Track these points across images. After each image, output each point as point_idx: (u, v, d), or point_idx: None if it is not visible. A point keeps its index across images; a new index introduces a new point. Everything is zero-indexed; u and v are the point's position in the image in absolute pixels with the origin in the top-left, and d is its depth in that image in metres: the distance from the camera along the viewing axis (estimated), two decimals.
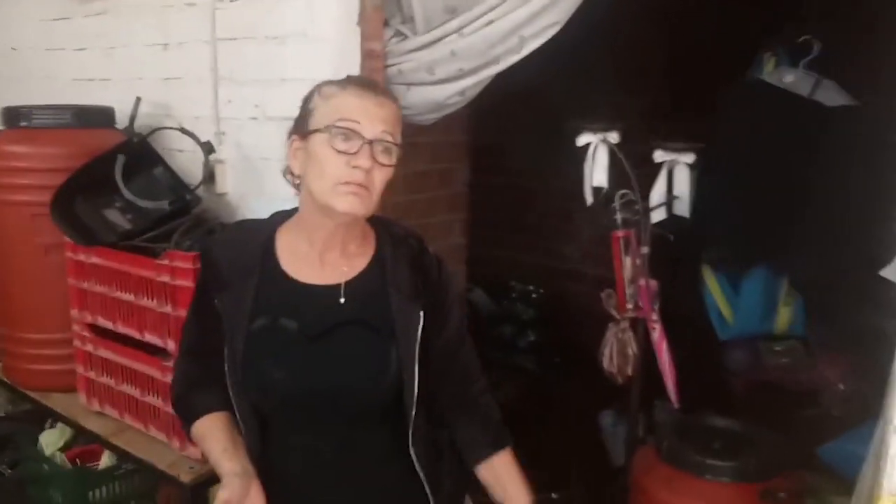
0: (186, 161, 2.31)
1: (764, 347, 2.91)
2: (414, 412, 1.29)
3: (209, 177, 2.21)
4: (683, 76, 2.94)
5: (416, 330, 1.29)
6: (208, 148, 2.15)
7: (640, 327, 2.40)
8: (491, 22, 1.87)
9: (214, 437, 1.30)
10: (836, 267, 2.58)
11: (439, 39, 1.97)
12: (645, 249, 2.30)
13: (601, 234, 2.88)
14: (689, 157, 2.26)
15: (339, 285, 1.30)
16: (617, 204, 2.29)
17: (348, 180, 1.21)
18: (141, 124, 2.31)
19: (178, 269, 1.76)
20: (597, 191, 2.30)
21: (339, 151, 1.21)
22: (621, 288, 2.35)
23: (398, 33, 2.09)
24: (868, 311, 2.69)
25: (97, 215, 1.99)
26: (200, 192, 2.18)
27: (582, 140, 2.28)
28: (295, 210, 1.38)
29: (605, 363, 2.40)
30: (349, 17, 1.99)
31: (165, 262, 1.78)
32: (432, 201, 2.75)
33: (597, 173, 2.28)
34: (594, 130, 2.26)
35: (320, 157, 1.22)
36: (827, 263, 2.59)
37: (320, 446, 1.31)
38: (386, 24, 2.08)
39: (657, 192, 2.30)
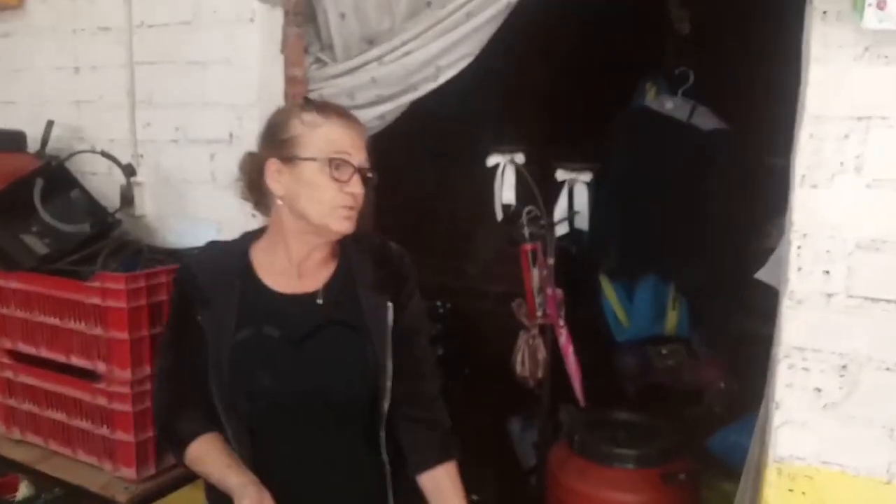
0: (100, 184, 2.30)
1: (652, 352, 3.17)
2: (387, 405, 1.37)
3: (129, 199, 2.22)
4: (577, 104, 3.20)
5: (386, 321, 1.38)
6: (129, 170, 2.17)
7: (548, 333, 2.58)
8: (409, 52, 2.00)
9: (212, 456, 1.34)
10: (715, 274, 2.89)
11: (360, 67, 2.08)
12: (551, 261, 2.49)
13: (500, 254, 3.04)
14: (587, 176, 2.47)
15: (316, 291, 1.38)
16: (524, 219, 2.47)
17: (344, 205, 1.32)
18: (52, 148, 2.29)
19: (109, 290, 1.77)
20: (506, 207, 2.47)
21: (335, 179, 1.31)
22: (531, 297, 2.53)
23: (318, 60, 2.18)
24: (743, 316, 3.01)
25: (15, 240, 1.96)
26: (119, 214, 2.18)
27: (491, 161, 2.45)
28: (261, 230, 1.45)
29: (518, 368, 2.57)
30: (273, 45, 2.08)
31: (96, 284, 1.79)
32: None
33: (506, 191, 2.46)
34: (502, 152, 2.44)
35: (317, 184, 1.31)
36: (707, 271, 2.89)
37: (304, 450, 1.37)
38: (306, 51, 2.18)
39: (560, 208, 2.50)
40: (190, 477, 1.94)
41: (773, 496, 1.52)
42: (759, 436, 1.72)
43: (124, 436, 1.81)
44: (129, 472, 1.82)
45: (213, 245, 1.52)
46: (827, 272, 1.42)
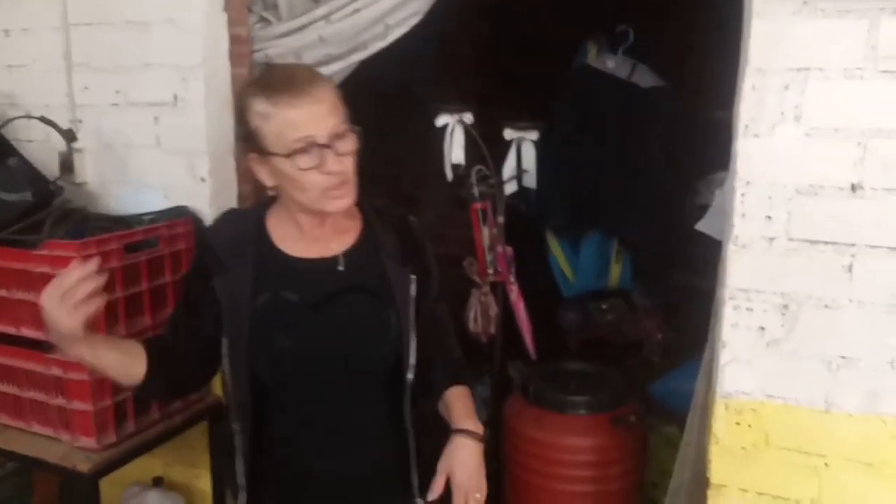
0: (36, 151, 2.21)
1: (592, 307, 3.28)
2: (411, 376, 1.37)
3: (69, 166, 2.15)
4: (522, 63, 3.23)
5: (409, 293, 1.38)
6: (70, 136, 2.10)
7: (499, 290, 2.64)
8: (358, 10, 1.99)
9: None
10: (655, 228, 2.99)
11: (307, 25, 2.05)
12: (501, 219, 2.54)
13: (446, 216, 3.07)
14: (534, 135, 2.52)
15: (336, 257, 1.37)
16: (473, 178, 2.51)
17: (328, 187, 1.27)
18: None
19: (59, 258, 1.72)
20: (455, 167, 2.50)
21: (305, 169, 1.25)
22: (481, 255, 2.58)
23: (262, 19, 2.15)
24: (680, 270, 3.14)
25: None
26: (59, 182, 2.11)
27: (440, 121, 2.47)
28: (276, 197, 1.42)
29: (471, 325, 2.63)
30: (215, 4, 2.03)
31: (45, 252, 1.74)
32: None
33: (455, 151, 2.48)
34: (451, 112, 2.46)
35: (293, 176, 1.27)
36: (647, 226, 2.99)
37: (323, 415, 1.37)
38: (249, 10, 2.13)
39: (508, 167, 2.55)
40: (151, 443, 1.94)
41: (721, 430, 1.61)
42: (705, 376, 1.82)
43: (82, 405, 1.78)
44: (89, 442, 1.79)
45: (229, 213, 1.51)
46: (769, 217, 1.51)
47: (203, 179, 2.07)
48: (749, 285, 1.55)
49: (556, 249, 3.03)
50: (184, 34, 2.01)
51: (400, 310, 1.38)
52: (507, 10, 3.35)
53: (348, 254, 1.39)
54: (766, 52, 1.44)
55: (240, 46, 2.10)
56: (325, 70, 2.11)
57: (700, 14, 2.83)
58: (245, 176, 2.17)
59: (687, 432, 1.93)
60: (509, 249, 2.59)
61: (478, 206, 2.53)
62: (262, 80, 1.35)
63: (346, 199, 1.31)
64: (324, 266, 1.38)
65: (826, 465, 1.53)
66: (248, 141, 1.31)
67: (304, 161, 1.24)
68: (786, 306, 1.53)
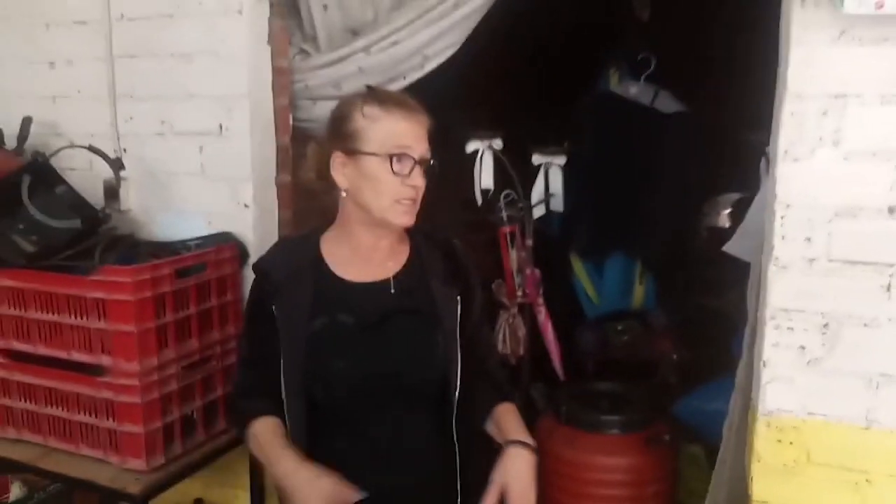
0: (81, 180, 2.26)
1: (609, 328, 3.32)
2: (457, 394, 1.41)
3: (114, 194, 2.21)
4: (548, 88, 3.30)
5: (456, 314, 1.43)
6: (118, 164, 2.16)
7: (526, 312, 2.68)
8: (397, 42, 2.06)
9: (269, 436, 1.39)
10: (676, 250, 3.04)
11: (346, 57, 2.12)
12: (529, 242, 2.59)
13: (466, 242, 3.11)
14: (562, 160, 2.58)
15: (387, 280, 1.43)
16: (502, 203, 2.57)
17: (404, 198, 1.35)
18: (28, 143, 2.25)
19: (114, 283, 1.77)
20: (485, 192, 2.56)
21: (395, 173, 1.34)
22: (510, 278, 2.62)
23: (302, 51, 2.22)
24: (698, 291, 3.18)
25: (3, 238, 1.94)
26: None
27: (471, 147, 2.53)
28: (329, 222, 1.48)
29: (500, 346, 2.67)
30: (259, 37, 2.10)
31: (99, 277, 1.79)
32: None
33: (484, 176, 2.54)
34: (481, 138, 2.52)
35: (378, 178, 1.34)
36: (669, 247, 3.05)
37: (374, 432, 1.41)
38: (289, 42, 2.20)
39: (536, 191, 2.60)
40: (198, 464, 1.97)
41: (763, 447, 1.64)
42: (740, 394, 1.86)
43: (132, 427, 1.82)
44: (139, 464, 1.82)
45: (283, 241, 1.58)
46: (808, 239, 1.55)
47: (246, 206, 2.12)
48: (790, 305, 1.59)
49: (581, 272, 3.08)
50: (228, 65, 2.08)
51: (447, 330, 1.42)
52: (531, 38, 3.43)
53: (399, 276, 1.44)
54: (804, 78, 1.50)
55: (281, 77, 2.17)
56: None
57: (720, 41, 2.91)
58: (284, 202, 2.23)
59: (722, 451, 1.96)
60: (537, 272, 2.63)
61: (506, 229, 2.58)
62: (374, 93, 1.42)
63: (410, 216, 1.38)
64: (376, 289, 1.43)
65: (868, 481, 1.56)
66: (343, 140, 1.38)
67: (398, 166, 1.33)
68: (826, 325, 1.56)
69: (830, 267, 1.54)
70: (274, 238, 2.20)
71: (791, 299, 1.58)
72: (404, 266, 1.46)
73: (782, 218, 1.56)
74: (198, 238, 2.08)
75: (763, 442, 1.64)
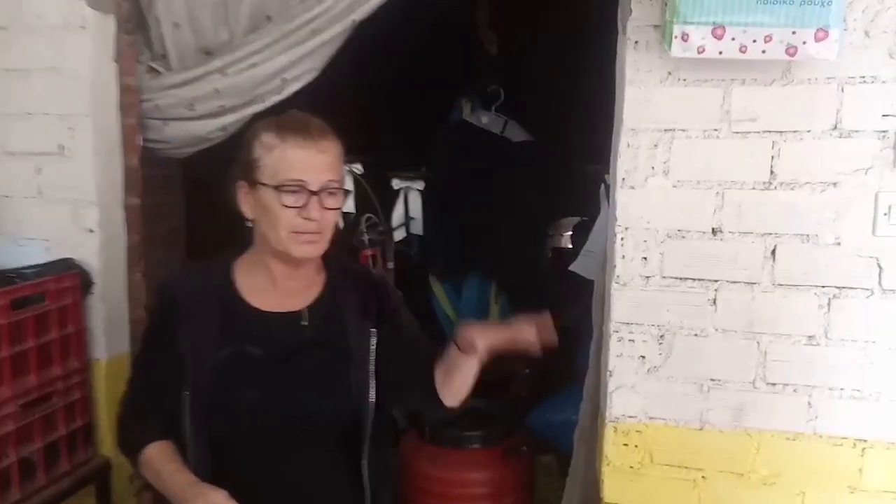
0: None
1: None
2: (369, 431, 1.38)
3: None
4: (406, 115, 3.38)
5: (370, 347, 1.39)
6: None
7: None
8: (255, 65, 2.04)
9: (163, 459, 1.32)
10: (525, 270, 3.20)
11: (201, 77, 2.07)
12: (390, 265, 2.63)
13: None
14: (420, 185, 2.65)
15: (300, 311, 1.38)
16: (363, 226, 2.59)
17: (301, 230, 1.30)
18: None
19: None
20: (345, 215, 2.57)
21: (287, 206, 1.28)
22: None
23: (151, 69, 2.14)
24: (545, 309, 3.35)
25: None
26: None
27: None
28: (244, 248, 1.42)
29: None
30: (105, 53, 2.01)
31: None
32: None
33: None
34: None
35: (272, 210, 1.30)
36: (518, 268, 3.20)
37: (281, 471, 1.35)
38: (137, 60, 2.12)
39: (397, 215, 2.66)
40: (58, 498, 1.82)
41: (611, 451, 1.77)
42: (589, 402, 1.99)
43: None
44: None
45: (193, 265, 1.51)
46: (645, 258, 1.70)
47: (91, 230, 2.01)
48: (630, 318, 1.73)
49: (440, 293, 3.16)
50: (70, 82, 1.98)
51: (359, 364, 1.39)
52: (383, 68, 3.50)
53: (312, 308, 1.40)
54: (638, 114, 1.65)
55: (129, 96, 2.08)
56: (218, 122, 2.13)
57: (563, 76, 3.12)
58: (133, 227, 2.13)
59: (574, 458, 2.08)
60: (399, 294, 2.67)
61: (368, 252, 2.61)
62: (278, 119, 1.37)
63: (313, 246, 1.34)
64: (288, 320, 1.38)
65: (703, 477, 1.72)
66: (244, 169, 1.34)
67: (290, 199, 1.28)
68: (662, 336, 1.72)
69: (664, 283, 1.70)
70: (121, 264, 2.10)
71: (631, 313, 1.72)
72: (318, 297, 1.42)
73: (622, 239, 1.70)
74: (35, 266, 1.94)
75: (611, 446, 1.77)
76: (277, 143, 1.31)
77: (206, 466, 1.32)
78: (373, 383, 1.39)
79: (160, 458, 1.34)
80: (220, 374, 1.32)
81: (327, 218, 1.33)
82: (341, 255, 1.50)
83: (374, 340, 1.41)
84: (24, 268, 1.93)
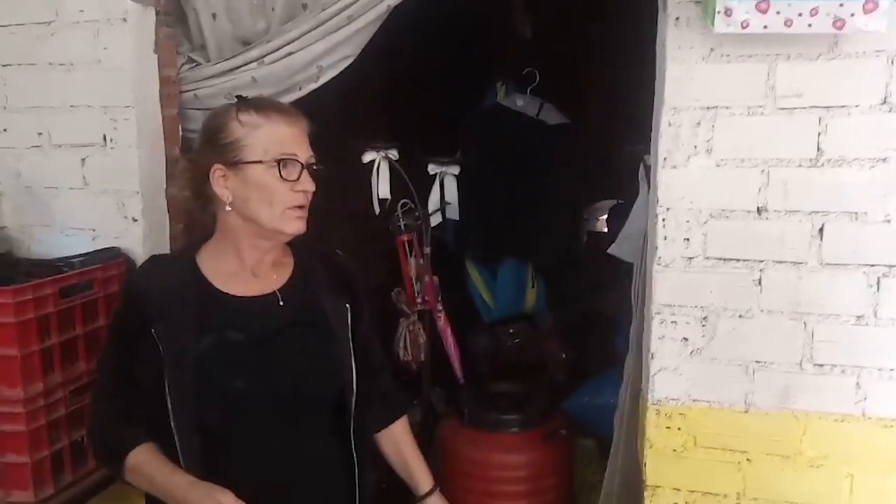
0: None
1: (501, 331, 3.43)
2: (354, 405, 1.39)
3: None
4: (442, 100, 3.38)
5: (346, 322, 1.41)
6: None
7: (426, 319, 2.73)
8: (291, 53, 2.05)
9: (154, 463, 1.29)
10: (562, 253, 3.18)
11: (239, 67, 2.09)
12: (427, 250, 2.63)
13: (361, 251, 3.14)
14: (456, 169, 2.65)
15: (274, 293, 1.39)
16: (399, 212, 2.60)
17: (296, 205, 1.33)
18: None
19: None
20: (382, 202, 2.58)
21: (284, 179, 1.30)
22: (409, 285, 2.66)
23: (190, 60, 2.17)
24: (582, 293, 3.34)
25: None
26: None
27: (367, 157, 2.55)
28: (202, 239, 1.42)
29: (401, 353, 2.69)
30: (145, 46, 2.04)
31: None
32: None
33: (381, 186, 2.56)
34: (377, 149, 2.54)
35: (267, 186, 1.30)
36: (556, 251, 3.18)
37: (273, 453, 1.35)
38: (177, 51, 2.15)
39: (432, 200, 2.65)
40: (88, 493, 1.87)
41: (653, 434, 1.76)
42: (630, 387, 1.98)
43: (17, 458, 1.71)
44: (26, 496, 1.71)
45: (155, 259, 1.48)
46: (687, 239, 1.68)
47: (135, 220, 2.04)
48: (672, 300, 1.71)
49: (476, 277, 3.16)
50: (112, 75, 2.00)
51: (340, 341, 1.41)
52: (415, 54, 3.50)
53: (285, 289, 1.41)
54: (679, 92, 1.62)
55: (169, 87, 2.10)
56: None
57: (599, 56, 3.08)
58: (176, 215, 2.17)
59: (615, 441, 2.08)
60: (435, 279, 2.68)
61: (405, 238, 2.62)
62: (249, 101, 1.38)
63: (302, 222, 1.35)
64: (264, 302, 1.38)
65: (749, 460, 1.71)
66: (221, 152, 1.32)
67: (286, 171, 1.30)
68: (705, 318, 1.70)
69: (707, 264, 1.68)
70: (165, 252, 2.13)
71: (673, 295, 1.71)
72: (290, 279, 1.43)
73: (664, 221, 1.68)
74: (82, 255, 1.98)
75: (654, 429, 1.76)
76: (263, 121, 1.32)
77: (197, 461, 1.29)
78: (353, 357, 1.41)
79: (149, 461, 1.30)
80: (204, 364, 1.30)
81: (311, 192, 1.35)
82: (300, 237, 1.46)
83: (349, 315, 1.43)
84: (71, 257, 1.98)
